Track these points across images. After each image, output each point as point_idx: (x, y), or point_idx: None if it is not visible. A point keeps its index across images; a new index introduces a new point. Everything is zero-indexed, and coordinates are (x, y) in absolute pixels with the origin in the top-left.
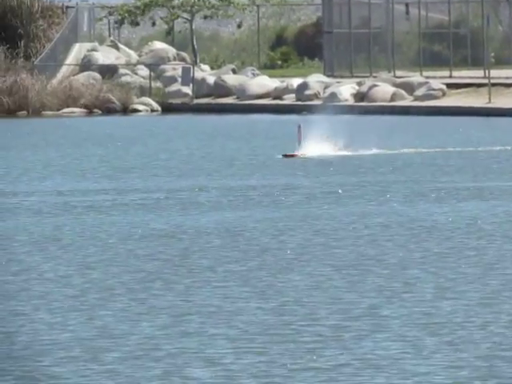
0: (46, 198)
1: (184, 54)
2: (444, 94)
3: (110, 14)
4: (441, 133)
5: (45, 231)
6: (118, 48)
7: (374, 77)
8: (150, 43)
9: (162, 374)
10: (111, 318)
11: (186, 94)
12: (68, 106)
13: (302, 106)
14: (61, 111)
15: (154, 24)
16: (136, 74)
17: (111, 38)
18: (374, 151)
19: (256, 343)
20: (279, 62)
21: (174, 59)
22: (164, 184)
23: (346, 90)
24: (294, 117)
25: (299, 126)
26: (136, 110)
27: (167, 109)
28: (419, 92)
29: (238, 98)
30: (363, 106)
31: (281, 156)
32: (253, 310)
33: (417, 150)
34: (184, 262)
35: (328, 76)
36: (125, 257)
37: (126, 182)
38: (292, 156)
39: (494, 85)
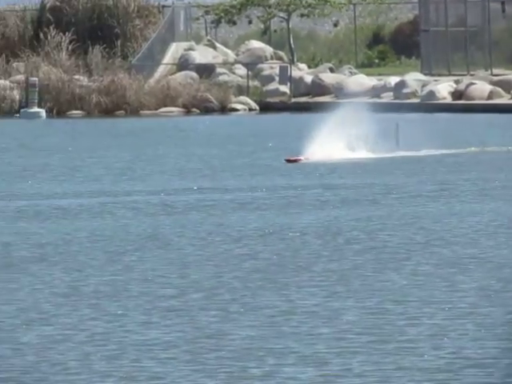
0: (145, 198)
1: (281, 53)
2: None
3: (207, 13)
4: None
5: (145, 231)
6: (215, 47)
7: (472, 75)
8: (246, 42)
9: (262, 374)
10: (211, 318)
11: (283, 93)
12: (166, 106)
13: (400, 104)
14: (159, 110)
15: (250, 23)
16: (233, 73)
17: (208, 37)
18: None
19: (356, 342)
20: (376, 61)
21: (271, 58)
22: (263, 183)
23: (444, 88)
24: (391, 115)
25: (397, 125)
26: (234, 109)
27: (265, 108)
28: None
29: (335, 96)
30: (460, 103)
31: (284, 161)
32: (352, 310)
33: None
34: (283, 261)
35: (425, 74)
36: (224, 256)
37: (226, 181)
38: (295, 161)
39: None
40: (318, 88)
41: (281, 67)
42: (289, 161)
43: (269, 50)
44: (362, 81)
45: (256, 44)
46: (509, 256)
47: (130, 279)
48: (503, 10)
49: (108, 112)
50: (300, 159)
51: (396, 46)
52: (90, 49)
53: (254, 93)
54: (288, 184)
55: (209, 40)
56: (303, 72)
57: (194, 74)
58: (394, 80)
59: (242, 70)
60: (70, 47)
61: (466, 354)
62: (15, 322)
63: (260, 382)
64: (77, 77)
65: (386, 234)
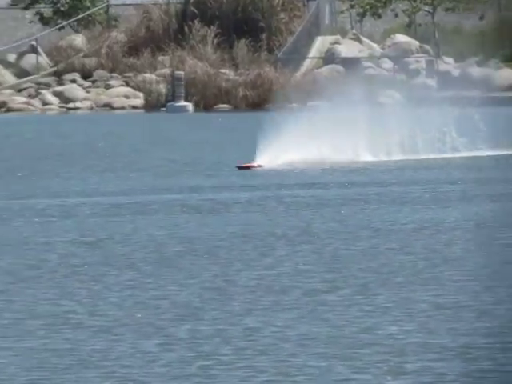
0: (295, 192)
1: (427, 47)
2: None
3: (352, 6)
4: None
5: (296, 225)
6: (360, 41)
7: None
8: (392, 36)
9: (415, 369)
10: (362, 313)
11: (430, 87)
12: (312, 100)
13: None
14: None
15: (396, 16)
16: (379, 66)
17: (353, 31)
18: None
19: (509, 337)
20: None
21: (417, 52)
22: (410, 178)
23: None
24: None
25: None
26: (380, 103)
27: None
28: None
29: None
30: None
31: (235, 167)
32: (504, 304)
33: None
34: (433, 256)
35: None
36: (374, 251)
37: (376, 175)
38: (247, 168)
39: None
40: (466, 82)
41: (427, 61)
42: (240, 168)
43: (414, 43)
44: (509, 75)
45: (402, 38)
46: None
47: (280, 273)
48: None
49: (255, 106)
50: (253, 166)
51: None
52: (236, 42)
53: (400, 86)
54: (437, 178)
55: (354, 33)
56: (450, 66)
57: (340, 68)
58: None
59: (387, 64)
60: (215, 41)
61: None
62: (167, 316)
63: (413, 377)
64: (223, 70)
65: None
